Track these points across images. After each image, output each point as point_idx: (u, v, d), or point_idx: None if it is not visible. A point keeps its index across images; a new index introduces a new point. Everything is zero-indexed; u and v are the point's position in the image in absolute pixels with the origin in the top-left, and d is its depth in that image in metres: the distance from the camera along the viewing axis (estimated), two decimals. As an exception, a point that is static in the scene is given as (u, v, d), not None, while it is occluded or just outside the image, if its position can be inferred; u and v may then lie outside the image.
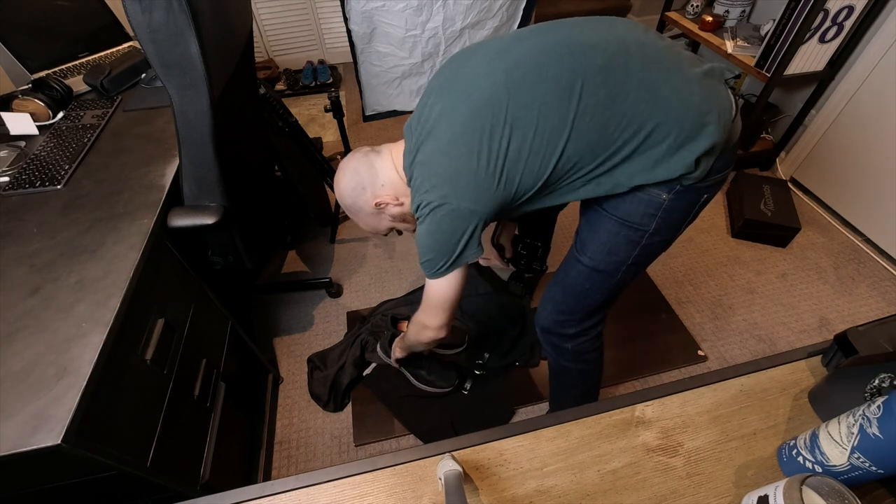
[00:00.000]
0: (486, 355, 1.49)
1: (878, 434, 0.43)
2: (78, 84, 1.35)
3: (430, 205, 0.74)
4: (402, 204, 0.88)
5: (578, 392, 1.15)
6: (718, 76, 0.75)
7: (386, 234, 0.99)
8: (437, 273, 0.83)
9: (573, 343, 1.01)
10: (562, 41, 0.70)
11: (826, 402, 0.59)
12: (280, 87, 2.94)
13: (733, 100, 0.75)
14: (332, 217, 1.92)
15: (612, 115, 0.68)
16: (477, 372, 1.46)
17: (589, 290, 0.92)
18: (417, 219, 0.78)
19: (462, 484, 0.50)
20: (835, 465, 0.47)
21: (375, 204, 0.87)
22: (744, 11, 2.12)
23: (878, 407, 0.44)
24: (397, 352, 1.30)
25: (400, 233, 1.12)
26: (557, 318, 0.99)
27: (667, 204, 0.75)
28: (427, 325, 0.94)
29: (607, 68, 0.67)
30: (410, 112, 1.54)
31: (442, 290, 0.87)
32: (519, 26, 1.40)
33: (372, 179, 0.86)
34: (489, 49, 0.74)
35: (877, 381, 0.52)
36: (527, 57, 0.70)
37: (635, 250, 0.82)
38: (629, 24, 0.76)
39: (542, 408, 1.41)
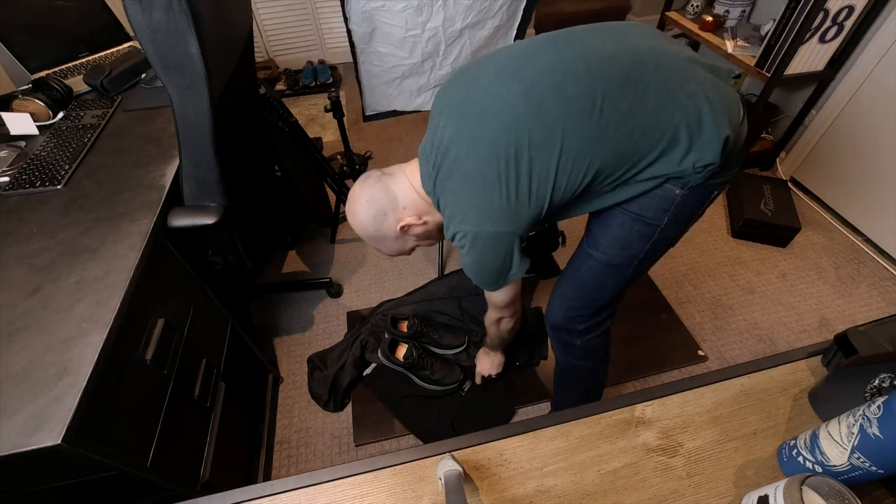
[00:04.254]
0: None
1: (878, 434, 0.43)
2: (78, 84, 1.35)
3: (468, 235, 0.76)
4: (425, 223, 0.87)
5: (584, 390, 1.16)
6: (726, 78, 0.76)
7: (410, 254, 0.99)
8: (495, 288, 0.88)
9: (583, 339, 1.01)
10: (577, 57, 0.70)
11: (826, 402, 0.59)
12: (280, 87, 2.94)
13: (741, 101, 0.76)
14: (332, 217, 1.92)
15: (635, 126, 0.68)
16: (477, 372, 1.47)
17: (601, 285, 0.92)
18: (457, 245, 0.80)
19: (462, 484, 0.50)
20: (835, 465, 0.47)
21: (400, 228, 0.86)
22: (744, 11, 2.12)
23: (879, 407, 0.44)
24: (492, 367, 1.37)
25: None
26: (568, 314, 0.99)
27: (679, 199, 0.76)
28: (503, 315, 1.03)
29: (626, 81, 0.68)
30: (410, 112, 1.55)
31: (505, 295, 0.92)
32: (519, 26, 1.40)
33: (392, 204, 0.85)
34: (499, 68, 0.73)
35: (877, 381, 0.52)
36: (543, 77, 0.69)
37: (647, 245, 0.83)
38: (639, 31, 0.76)
39: (542, 408, 1.41)
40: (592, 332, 1.00)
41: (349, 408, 1.42)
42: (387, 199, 0.85)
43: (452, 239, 0.79)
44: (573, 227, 1.94)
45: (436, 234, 0.92)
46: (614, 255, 0.86)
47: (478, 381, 1.41)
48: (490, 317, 1.08)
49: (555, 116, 0.68)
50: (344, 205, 1.98)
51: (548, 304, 1.03)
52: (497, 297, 0.94)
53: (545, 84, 0.69)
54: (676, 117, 0.69)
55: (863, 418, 0.45)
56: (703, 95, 0.69)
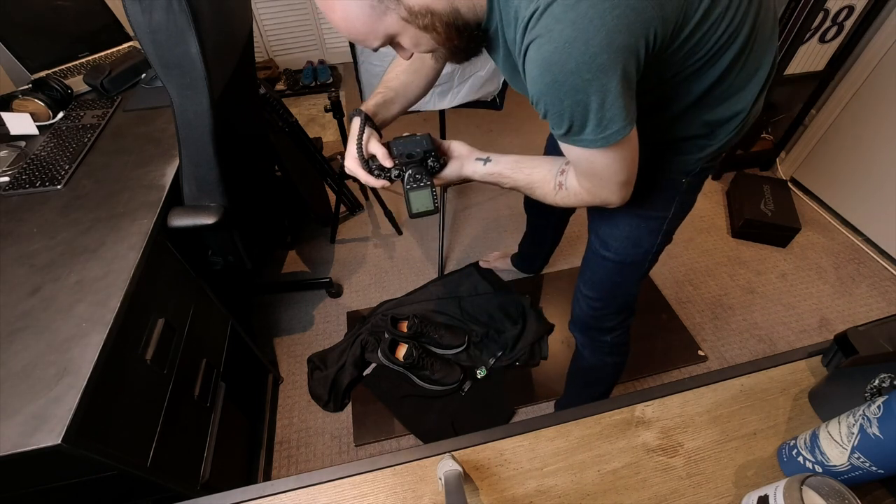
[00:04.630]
0: (492, 361, 1.49)
1: (878, 434, 0.43)
2: (78, 84, 1.35)
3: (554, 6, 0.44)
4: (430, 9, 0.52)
5: (606, 386, 1.17)
6: None
7: (375, 49, 0.59)
8: (569, 136, 0.55)
9: (612, 335, 1.02)
10: None
11: (826, 402, 0.59)
12: (280, 87, 2.94)
13: None
14: (332, 217, 1.92)
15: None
16: (478, 373, 1.46)
17: (621, 284, 0.92)
18: (535, 31, 0.46)
19: (462, 484, 0.50)
20: (835, 465, 0.47)
21: None
22: (744, 11, 2.11)
23: (879, 407, 0.44)
24: (451, 178, 0.80)
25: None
26: (595, 313, 0.99)
27: (685, 187, 0.76)
28: (609, 201, 0.65)
29: None
30: (410, 112, 1.55)
31: (620, 158, 0.58)
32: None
33: None
34: None
35: (877, 381, 0.52)
36: None
37: (658, 238, 0.83)
38: None
39: (542, 408, 1.41)
40: (620, 329, 1.02)
41: (349, 408, 1.42)
42: None
43: (528, 23, 0.47)
44: (580, 222, 1.94)
45: (441, 31, 0.54)
46: (627, 254, 0.86)
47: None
48: (585, 188, 0.66)
49: None
50: (344, 205, 1.99)
51: (571, 310, 1.04)
52: (604, 164, 0.59)
53: None
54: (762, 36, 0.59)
55: (863, 418, 0.45)
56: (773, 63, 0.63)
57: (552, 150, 1.16)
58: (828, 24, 1.66)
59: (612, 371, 1.12)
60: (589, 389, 1.20)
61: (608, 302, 0.96)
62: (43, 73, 1.37)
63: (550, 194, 0.72)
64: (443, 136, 1.80)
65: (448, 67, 1.42)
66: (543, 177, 0.72)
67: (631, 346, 1.08)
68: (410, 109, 1.62)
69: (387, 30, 0.55)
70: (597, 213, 0.87)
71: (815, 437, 0.50)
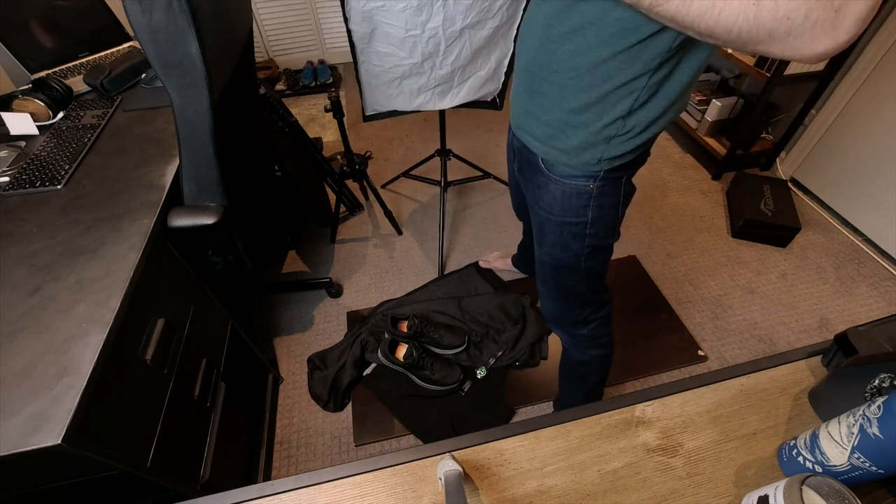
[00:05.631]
0: (492, 361, 1.49)
1: (878, 434, 0.43)
2: (78, 84, 1.35)
3: None
4: None
5: (594, 382, 1.17)
6: None
7: None
8: None
9: (587, 328, 1.03)
10: None
11: (826, 402, 0.59)
12: (280, 87, 2.94)
13: None
14: (332, 217, 1.92)
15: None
16: (478, 373, 1.46)
17: (565, 284, 0.95)
18: None
19: (462, 484, 0.50)
20: (835, 465, 0.47)
21: None
22: (744, 11, 2.11)
23: (879, 407, 0.44)
24: None
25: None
26: (559, 308, 1.02)
27: (595, 191, 0.78)
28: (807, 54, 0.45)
29: None
30: (410, 112, 1.55)
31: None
32: (519, 26, 1.40)
33: None
34: None
35: (877, 381, 0.52)
36: None
37: (585, 241, 0.85)
38: None
39: (542, 408, 1.41)
40: (594, 321, 1.02)
41: (349, 408, 1.42)
42: None
43: None
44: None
45: None
46: (558, 257, 0.89)
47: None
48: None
49: None
50: (344, 205, 1.99)
51: (539, 304, 1.06)
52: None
53: None
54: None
55: (863, 418, 0.45)
56: None
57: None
58: (828, 24, 1.66)
59: (598, 364, 1.12)
60: (580, 384, 1.20)
61: (561, 299, 0.99)
62: (43, 73, 1.37)
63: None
64: (443, 136, 1.80)
65: (448, 68, 1.42)
66: None
67: (614, 337, 1.09)
68: (410, 109, 1.63)
69: None
70: (532, 218, 0.91)
71: (815, 437, 0.50)
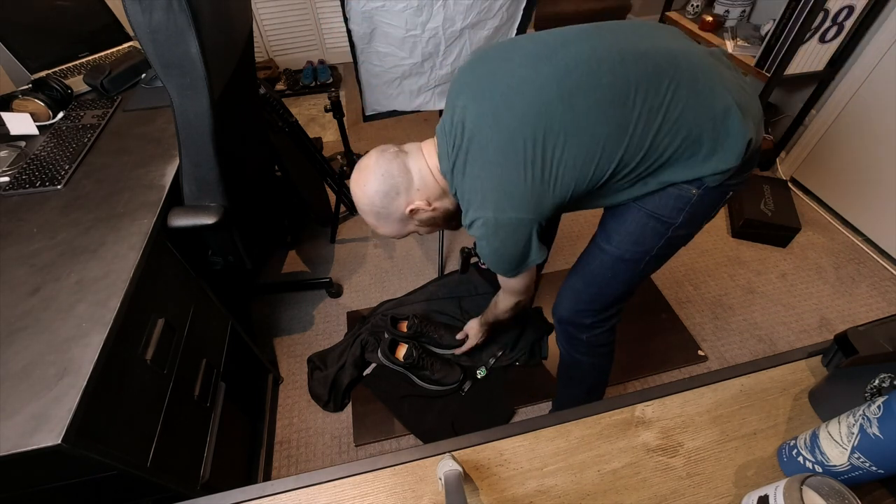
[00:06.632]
0: (492, 360, 1.49)
1: (878, 434, 0.43)
2: (78, 84, 1.35)
3: (488, 221, 0.74)
4: (434, 209, 0.85)
5: (586, 388, 1.16)
6: (742, 77, 0.77)
7: (400, 238, 0.98)
8: (513, 275, 0.86)
9: (589, 334, 1.02)
10: (611, 48, 0.70)
11: (826, 402, 0.59)
12: (280, 87, 2.94)
13: (759, 103, 0.78)
14: (332, 217, 1.92)
15: (663, 122, 0.69)
16: (478, 373, 1.47)
17: (611, 280, 0.92)
18: (474, 233, 0.78)
19: (462, 484, 0.50)
20: (835, 465, 0.47)
21: (410, 211, 0.83)
22: (744, 11, 2.12)
23: (879, 407, 0.44)
24: (480, 334, 1.40)
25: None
26: (577, 307, 1.00)
27: (696, 199, 0.77)
28: (520, 300, 1.05)
29: (659, 77, 0.68)
30: (410, 112, 1.55)
31: (520, 282, 0.94)
32: (519, 26, 1.40)
33: (407, 184, 0.81)
34: (527, 52, 0.73)
35: (877, 381, 0.52)
36: (578, 63, 0.69)
37: (660, 241, 0.83)
38: (668, 32, 0.77)
39: (542, 408, 1.41)
40: (599, 328, 1.01)
41: (349, 408, 1.42)
42: (403, 178, 0.81)
43: (470, 226, 0.78)
44: (580, 222, 1.94)
45: (440, 222, 0.90)
46: (626, 249, 0.86)
47: (465, 349, 1.45)
48: (505, 301, 1.09)
49: (588, 103, 0.68)
50: (344, 205, 1.99)
51: (557, 296, 1.03)
52: (514, 283, 0.94)
53: (580, 70, 0.68)
54: (703, 119, 0.69)
55: (863, 418, 0.45)
56: (732, 99, 0.70)
57: None
58: (828, 24, 1.66)
59: (589, 371, 1.11)
60: (571, 387, 1.19)
61: (593, 297, 0.97)
62: (43, 73, 1.37)
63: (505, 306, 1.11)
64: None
65: (448, 68, 1.42)
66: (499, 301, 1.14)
67: (615, 350, 1.07)
68: (410, 110, 1.63)
69: (408, 231, 0.91)
70: (609, 207, 0.88)
71: (815, 437, 0.50)
